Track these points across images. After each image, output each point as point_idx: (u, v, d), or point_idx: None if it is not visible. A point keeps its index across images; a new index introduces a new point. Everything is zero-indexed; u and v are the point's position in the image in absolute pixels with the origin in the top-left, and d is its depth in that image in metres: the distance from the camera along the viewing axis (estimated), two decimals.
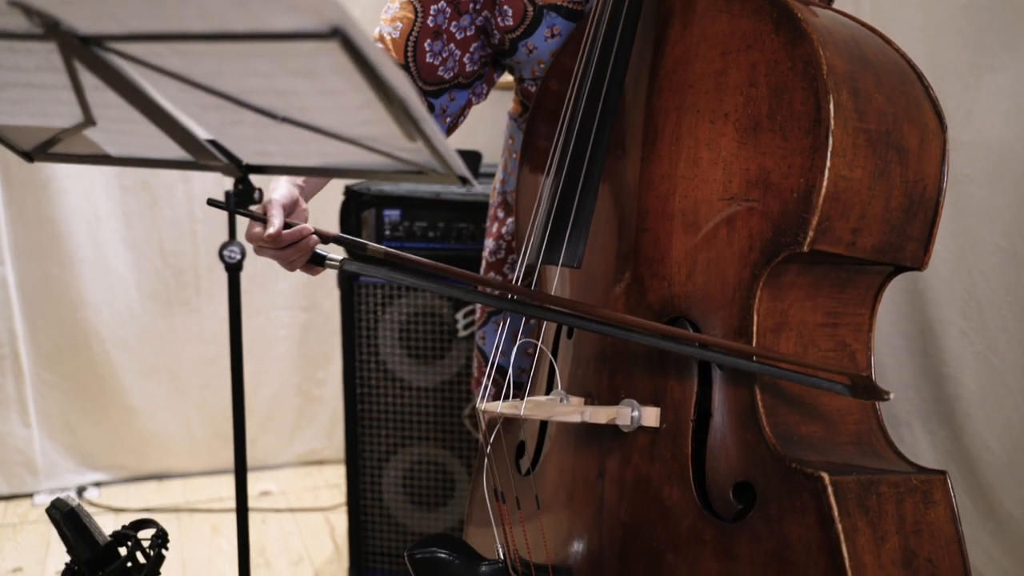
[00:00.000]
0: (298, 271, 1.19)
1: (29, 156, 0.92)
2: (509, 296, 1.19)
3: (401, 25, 1.34)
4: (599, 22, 1.19)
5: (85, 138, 0.86)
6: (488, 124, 2.02)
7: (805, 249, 0.99)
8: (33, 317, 2.75)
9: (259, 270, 2.89)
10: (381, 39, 1.35)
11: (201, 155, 0.84)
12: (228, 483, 2.47)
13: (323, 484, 2.94)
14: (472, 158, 0.78)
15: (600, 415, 1.09)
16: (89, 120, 0.81)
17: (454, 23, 1.35)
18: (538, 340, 1.27)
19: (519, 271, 1.24)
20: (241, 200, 0.87)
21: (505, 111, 1.58)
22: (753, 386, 1.03)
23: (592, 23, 1.21)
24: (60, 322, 2.76)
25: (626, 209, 1.16)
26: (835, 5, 1.21)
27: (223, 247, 0.82)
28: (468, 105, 1.45)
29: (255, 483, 2.85)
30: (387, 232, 2.03)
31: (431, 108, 1.40)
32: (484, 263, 1.59)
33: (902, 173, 1.05)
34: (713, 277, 1.06)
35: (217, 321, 2.91)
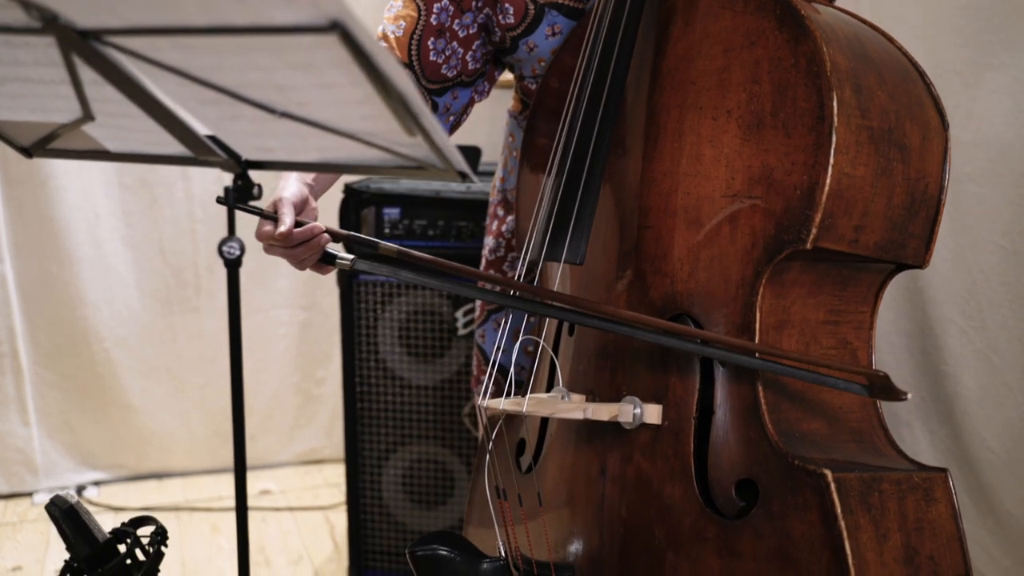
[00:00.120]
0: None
1: (28, 152, 0.92)
2: (520, 294, 1.19)
3: (404, 23, 1.33)
4: (601, 20, 1.19)
5: (84, 133, 0.85)
6: (488, 122, 2.02)
7: (808, 246, 0.99)
8: (32, 315, 2.75)
9: (259, 268, 2.89)
10: (384, 37, 1.35)
11: (200, 151, 0.84)
12: (228, 482, 2.47)
13: (323, 483, 2.94)
14: (471, 153, 0.78)
15: (602, 412, 1.09)
16: (88, 115, 0.80)
17: (457, 21, 1.35)
18: (539, 338, 1.26)
19: (521, 268, 1.23)
20: (240, 195, 0.87)
21: (505, 109, 1.58)
22: (756, 383, 1.02)
23: (594, 21, 1.20)
24: (59, 321, 2.76)
25: (628, 206, 1.15)
26: (836, 3, 1.21)
27: (222, 243, 0.82)
28: (471, 103, 1.45)
29: (255, 482, 2.84)
30: (386, 230, 2.02)
31: (435, 107, 1.40)
32: (484, 261, 1.59)
33: (904, 171, 1.05)
34: (716, 274, 1.06)
35: (217, 320, 2.91)
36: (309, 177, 1.20)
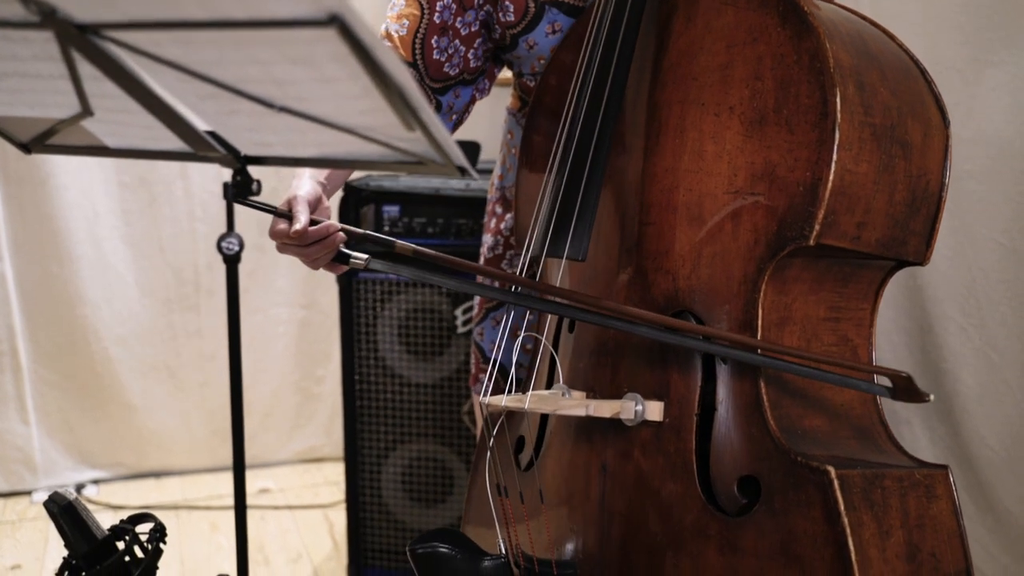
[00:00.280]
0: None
1: (27, 148, 0.92)
2: (534, 293, 1.18)
3: (408, 22, 1.33)
4: (602, 17, 1.19)
5: (83, 129, 0.85)
6: (488, 119, 2.01)
7: (811, 243, 0.99)
8: (32, 314, 2.74)
9: (258, 267, 2.89)
10: (388, 36, 1.34)
11: (199, 146, 0.83)
12: (227, 480, 2.46)
13: (322, 481, 2.94)
14: (471, 148, 0.78)
15: (604, 409, 1.09)
16: (87, 111, 0.80)
17: (459, 19, 1.35)
18: (539, 334, 1.26)
19: (522, 263, 1.23)
20: (240, 191, 0.86)
21: (503, 107, 1.58)
22: (758, 380, 1.02)
23: (595, 18, 1.20)
24: (59, 319, 2.76)
25: (629, 203, 1.15)
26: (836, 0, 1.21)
27: (221, 238, 0.81)
28: (472, 101, 1.45)
29: (254, 480, 2.84)
30: (386, 228, 2.02)
31: (438, 107, 1.40)
32: (482, 259, 1.59)
33: (906, 168, 1.05)
34: (718, 271, 1.06)
35: (216, 318, 2.91)
36: (322, 176, 1.18)
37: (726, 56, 1.07)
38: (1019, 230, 1.73)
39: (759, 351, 1.01)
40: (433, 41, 1.33)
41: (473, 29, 1.36)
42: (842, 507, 0.93)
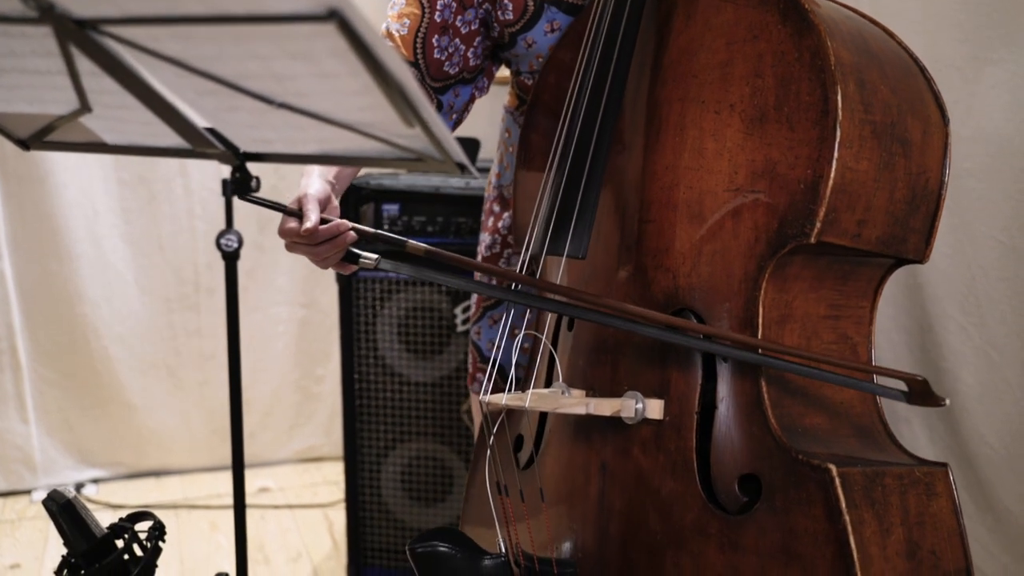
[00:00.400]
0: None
1: (25, 144, 0.91)
2: (545, 294, 1.17)
3: (409, 21, 1.33)
4: (602, 15, 1.18)
5: (81, 125, 0.85)
6: (485, 119, 2.01)
7: (812, 241, 0.99)
8: (31, 313, 2.74)
9: (257, 266, 2.89)
10: (390, 36, 1.34)
11: (198, 143, 0.83)
12: (227, 480, 2.46)
13: (321, 481, 2.93)
14: (470, 145, 0.77)
15: (605, 407, 1.09)
16: (85, 107, 0.80)
17: (459, 17, 1.34)
18: (538, 333, 1.26)
19: (522, 261, 1.23)
20: (239, 188, 0.86)
21: (501, 105, 1.57)
22: (759, 378, 1.02)
23: (595, 16, 1.20)
24: (58, 318, 2.76)
25: (629, 200, 1.15)
26: None
27: (220, 235, 0.81)
28: (471, 100, 1.45)
29: (253, 480, 2.84)
30: (385, 226, 2.02)
31: (439, 106, 1.39)
32: (479, 258, 1.59)
33: (906, 165, 1.05)
34: (718, 269, 1.05)
35: (216, 317, 2.90)
36: (331, 175, 1.17)
37: (726, 53, 1.07)
38: (1019, 228, 1.73)
39: (760, 351, 1.01)
40: (434, 40, 1.33)
41: (473, 27, 1.36)
42: (843, 505, 0.93)
